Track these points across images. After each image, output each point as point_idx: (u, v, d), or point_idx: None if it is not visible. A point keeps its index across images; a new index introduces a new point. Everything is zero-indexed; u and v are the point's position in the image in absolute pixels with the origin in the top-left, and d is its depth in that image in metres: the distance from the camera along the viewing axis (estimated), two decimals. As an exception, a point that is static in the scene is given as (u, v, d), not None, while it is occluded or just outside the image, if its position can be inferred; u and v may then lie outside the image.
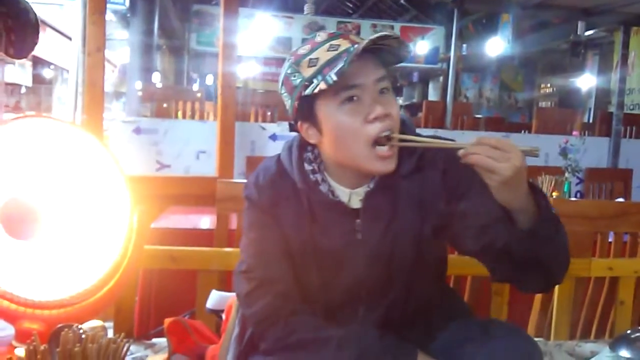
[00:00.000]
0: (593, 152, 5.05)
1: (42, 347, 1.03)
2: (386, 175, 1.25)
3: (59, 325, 1.17)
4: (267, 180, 1.32)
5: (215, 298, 1.67)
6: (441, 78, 10.49)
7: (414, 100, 10.59)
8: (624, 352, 1.01)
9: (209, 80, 12.65)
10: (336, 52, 1.20)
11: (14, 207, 1.40)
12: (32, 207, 1.42)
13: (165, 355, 1.43)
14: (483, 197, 1.23)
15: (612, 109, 5.44)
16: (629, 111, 7.80)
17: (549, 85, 11.66)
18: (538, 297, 2.11)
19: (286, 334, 1.23)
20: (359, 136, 1.21)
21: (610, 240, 2.28)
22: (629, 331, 1.06)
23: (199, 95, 5.85)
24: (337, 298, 1.30)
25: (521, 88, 11.89)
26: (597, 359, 1.04)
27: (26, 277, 1.53)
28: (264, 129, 4.70)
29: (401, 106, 9.70)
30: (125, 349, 1.07)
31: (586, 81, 10.07)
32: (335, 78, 1.16)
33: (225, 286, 1.77)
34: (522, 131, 6.21)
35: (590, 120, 7.59)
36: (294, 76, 1.23)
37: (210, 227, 2.76)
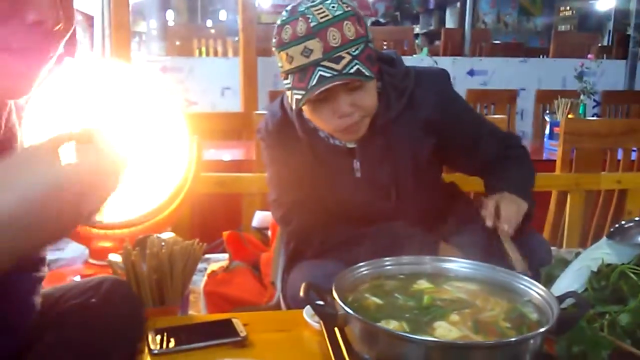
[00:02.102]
0: (610, 75, 5.08)
1: (134, 251, 1.25)
2: (376, 117, 1.38)
3: (141, 236, 1.39)
4: (275, 126, 1.48)
5: (259, 217, 1.89)
6: (458, 4, 10.31)
7: (432, 28, 10.45)
8: (618, 239, 1.20)
9: (222, 15, 12.53)
10: (308, 61, 1.25)
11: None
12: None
13: (224, 264, 1.65)
14: (472, 122, 1.48)
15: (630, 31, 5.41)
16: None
17: (568, 8, 11.40)
18: (551, 209, 2.30)
19: (326, 238, 1.45)
20: (328, 125, 1.35)
21: (619, 156, 2.44)
22: (623, 222, 1.24)
23: (212, 31, 5.93)
24: (346, 221, 1.47)
25: (540, 12, 11.63)
26: (596, 247, 1.23)
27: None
28: (285, 63, 4.80)
29: (418, 34, 9.59)
30: (202, 249, 1.29)
31: (605, 3, 9.85)
32: (300, 105, 1.28)
33: (267, 207, 1.98)
34: (540, 56, 6.22)
35: (609, 43, 7.52)
36: (277, 55, 1.33)
37: (244, 157, 2.97)
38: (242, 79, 4.51)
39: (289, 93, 1.33)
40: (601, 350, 0.98)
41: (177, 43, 5.52)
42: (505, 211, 1.33)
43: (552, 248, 2.13)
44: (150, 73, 1.71)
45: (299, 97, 1.28)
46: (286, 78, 1.32)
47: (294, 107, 1.34)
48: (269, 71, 4.72)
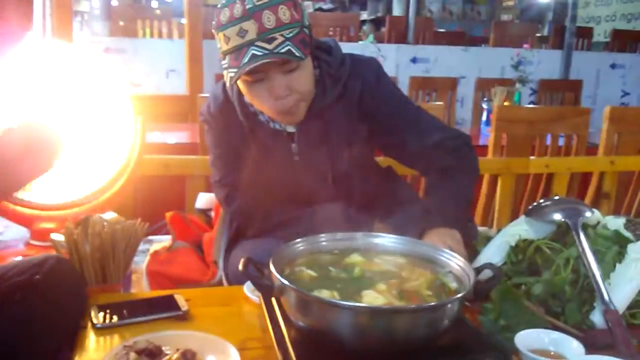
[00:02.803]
0: (547, 64, 5.31)
1: (76, 230, 1.27)
2: (313, 104, 1.44)
3: (83, 216, 1.40)
4: (217, 109, 1.52)
5: (203, 199, 1.92)
6: (405, -8, 10.45)
7: (379, 14, 10.55)
8: (534, 215, 1.31)
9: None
10: (243, 41, 1.29)
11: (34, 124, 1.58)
12: (52, 120, 1.61)
13: (167, 244, 1.68)
14: (404, 109, 1.52)
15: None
16: (584, 24, 8.03)
17: (511, -2, 11.71)
18: (483, 192, 2.42)
19: (267, 218, 1.51)
20: (267, 107, 1.40)
21: (548, 142, 2.58)
22: (541, 201, 1.35)
23: (158, 12, 5.83)
24: (286, 202, 1.53)
25: (485, 1, 11.92)
26: (515, 223, 1.33)
27: (40, 184, 1.74)
28: (231, 46, 4.78)
29: (364, 21, 9.68)
30: (144, 229, 1.32)
31: (546, -6, 10.17)
32: (233, 82, 1.33)
33: (210, 189, 2.02)
34: (482, 45, 6.41)
35: (549, 34, 7.80)
36: (216, 36, 1.36)
37: (189, 140, 2.98)
38: (188, 61, 4.48)
39: (225, 73, 1.37)
40: (522, 310, 1.09)
41: (121, 23, 5.41)
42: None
43: (483, 229, 2.26)
44: (93, 54, 1.70)
45: (232, 75, 1.32)
46: (224, 59, 1.36)
47: (228, 85, 1.38)
48: (214, 54, 4.64)
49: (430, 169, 1.51)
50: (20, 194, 1.76)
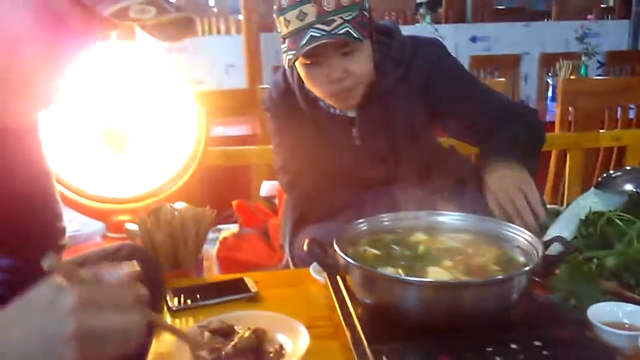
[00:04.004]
0: (614, 35, 5.07)
1: (149, 219, 1.33)
2: (374, 86, 1.44)
3: (155, 206, 1.47)
4: (278, 96, 1.55)
5: (266, 187, 1.97)
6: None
7: (434, -4, 10.37)
8: (605, 187, 1.26)
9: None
10: (302, 24, 1.32)
11: (110, 118, 1.68)
12: (128, 125, 1.70)
13: (235, 231, 1.73)
14: (471, 89, 1.50)
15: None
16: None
17: (573, -32, 11.24)
18: (551, 169, 2.35)
19: (330, 202, 1.53)
20: (322, 90, 1.41)
21: (618, 114, 2.48)
22: (611, 172, 1.30)
23: (215, 10, 5.95)
24: (348, 186, 1.54)
25: (545, -26, 11.48)
26: (585, 196, 1.29)
27: (112, 180, 1.83)
28: (287, 38, 4.83)
29: (421, 3, 9.52)
30: (212, 215, 1.37)
31: (611, -39, 9.69)
32: (290, 64, 1.34)
33: (273, 177, 2.06)
34: (544, 19, 6.19)
35: (614, 4, 7.45)
36: (277, 21, 1.39)
37: (250, 132, 3.04)
38: (246, 55, 4.55)
39: (284, 56, 1.39)
40: (594, 286, 1.05)
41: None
42: (509, 202, 1.30)
43: (553, 206, 2.20)
44: (157, 54, 1.77)
45: (291, 57, 1.34)
46: (283, 42, 1.38)
47: (286, 67, 1.41)
48: (272, 47, 4.75)
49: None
50: (95, 189, 1.86)
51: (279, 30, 1.39)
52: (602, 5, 6.50)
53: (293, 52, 1.33)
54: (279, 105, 1.54)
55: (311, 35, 1.30)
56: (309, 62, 1.37)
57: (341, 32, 1.30)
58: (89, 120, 1.72)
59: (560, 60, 3.48)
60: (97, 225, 2.07)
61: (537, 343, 0.85)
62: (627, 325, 0.95)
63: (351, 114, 1.50)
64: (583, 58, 3.47)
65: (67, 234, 1.17)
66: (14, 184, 1.01)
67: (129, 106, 1.75)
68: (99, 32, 0.80)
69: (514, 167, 1.36)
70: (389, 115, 1.48)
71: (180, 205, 1.50)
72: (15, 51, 0.75)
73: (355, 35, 1.31)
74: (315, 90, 1.44)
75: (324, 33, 1.30)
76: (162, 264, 1.30)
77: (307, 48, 1.30)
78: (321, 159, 1.54)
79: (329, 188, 1.54)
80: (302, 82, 1.47)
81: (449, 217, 1.15)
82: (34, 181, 1.05)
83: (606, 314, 0.96)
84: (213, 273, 1.63)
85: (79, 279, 0.67)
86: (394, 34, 1.48)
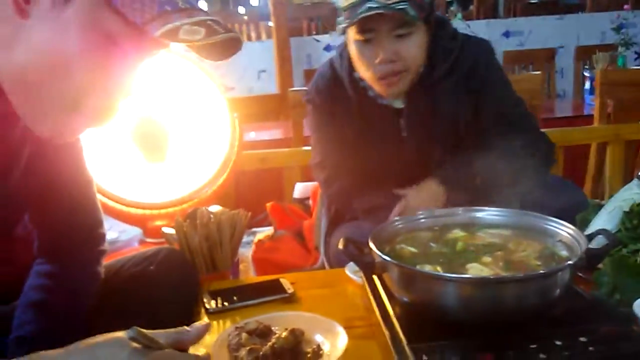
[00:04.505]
0: (651, 24, 4.92)
1: (185, 223, 1.34)
2: (422, 77, 1.44)
3: (191, 209, 1.48)
4: (325, 86, 1.54)
5: (300, 188, 1.97)
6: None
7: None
8: (649, 180, 1.22)
9: (254, 1, 12.59)
10: None
11: (148, 127, 1.70)
12: (163, 128, 1.72)
13: (270, 233, 1.73)
14: (508, 100, 1.49)
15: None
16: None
17: (606, -41, 10.98)
18: (591, 162, 2.29)
19: (367, 202, 1.50)
20: (370, 72, 1.41)
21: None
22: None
23: (245, 17, 6.00)
24: (387, 184, 1.52)
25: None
26: (627, 188, 1.25)
27: (149, 185, 1.85)
28: (317, 41, 4.84)
29: (451, 1, 9.43)
30: (247, 218, 1.37)
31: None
32: (342, 32, 1.36)
33: (307, 179, 2.05)
34: (578, 12, 6.05)
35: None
36: None
37: (282, 136, 3.05)
38: (277, 60, 4.58)
39: (338, 29, 1.40)
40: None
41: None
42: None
43: (595, 200, 2.13)
44: (189, 61, 1.79)
45: (345, 24, 1.34)
46: (340, 16, 1.39)
47: (338, 34, 1.41)
48: (302, 51, 4.78)
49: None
50: (132, 196, 1.88)
51: (338, 5, 1.40)
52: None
53: (349, 20, 1.33)
54: (324, 96, 1.53)
55: (369, 7, 1.30)
56: (362, 39, 1.37)
57: (399, 7, 1.30)
58: (124, 127, 1.74)
59: (597, 52, 3.39)
60: (134, 231, 2.10)
61: (582, 339, 0.82)
62: (676, 319, 0.92)
63: (399, 104, 1.49)
64: (620, 49, 3.37)
65: (107, 241, 1.19)
66: (57, 192, 1.04)
67: (164, 113, 1.77)
68: (149, 52, 0.81)
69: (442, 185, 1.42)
70: (436, 109, 1.47)
71: (215, 208, 1.51)
72: (68, 70, 0.76)
73: (412, 13, 1.30)
74: (364, 72, 1.43)
75: (381, 4, 1.29)
76: (199, 267, 1.31)
77: (364, 15, 1.30)
78: (363, 152, 1.52)
79: (367, 186, 1.52)
80: (352, 70, 1.47)
81: (488, 213, 1.12)
82: (76, 189, 1.08)
83: (654, 308, 0.93)
84: (249, 275, 1.64)
85: (157, 349, 0.71)
86: (445, 25, 1.48)
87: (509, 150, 1.35)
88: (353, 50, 1.42)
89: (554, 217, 1.05)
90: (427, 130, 1.48)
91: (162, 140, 1.75)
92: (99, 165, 1.74)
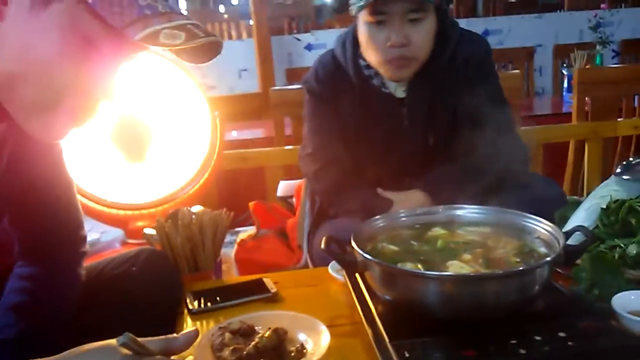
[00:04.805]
0: (629, 24, 4.97)
1: (167, 224, 1.33)
2: (425, 66, 1.45)
3: (172, 210, 1.47)
4: (326, 74, 1.54)
5: (283, 187, 1.97)
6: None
7: (444, -7, 10.33)
8: (624, 175, 1.24)
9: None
10: None
11: (128, 127, 1.69)
12: (143, 128, 1.71)
13: (252, 233, 1.73)
14: (496, 102, 1.47)
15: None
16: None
17: (584, -42, 11.11)
18: (570, 160, 2.32)
19: (349, 201, 1.51)
20: (378, 54, 1.42)
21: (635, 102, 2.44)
22: (630, 159, 1.28)
23: (226, 16, 5.98)
24: (385, 173, 1.54)
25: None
26: (604, 185, 1.27)
27: (130, 186, 1.84)
28: (298, 40, 4.84)
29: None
30: (229, 218, 1.37)
31: (623, -51, 9.56)
32: (357, 11, 1.37)
33: (289, 178, 2.05)
34: (557, 10, 6.12)
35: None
36: None
37: (264, 135, 3.05)
38: (258, 59, 4.56)
39: (351, 8, 1.42)
40: (618, 275, 1.03)
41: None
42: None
43: (573, 197, 2.16)
44: (168, 60, 1.77)
45: (362, 3, 1.36)
46: None
47: (354, 12, 1.42)
48: (283, 50, 4.76)
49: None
50: (113, 197, 1.87)
51: None
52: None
53: (363, 1, 1.35)
54: (325, 84, 1.54)
55: None
56: (374, 21, 1.39)
57: None
58: (104, 127, 1.73)
59: (575, 51, 3.44)
60: (116, 233, 2.08)
61: (561, 334, 0.84)
62: (653, 314, 0.94)
63: (400, 94, 1.50)
64: (598, 47, 3.41)
65: (88, 242, 1.18)
66: (37, 194, 1.03)
67: (144, 113, 1.76)
68: (128, 55, 0.81)
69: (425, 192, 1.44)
70: (436, 99, 1.49)
71: (197, 208, 1.51)
72: (48, 72, 0.76)
73: None
74: (372, 55, 1.44)
75: None
76: (181, 268, 1.31)
77: None
78: (362, 141, 1.52)
79: (356, 185, 1.52)
80: (356, 57, 1.48)
81: (467, 211, 1.14)
82: (56, 191, 1.07)
83: (631, 303, 0.95)
84: (232, 275, 1.64)
85: (147, 355, 0.72)
86: (446, 14, 1.50)
87: (492, 152, 1.39)
88: (363, 33, 1.43)
89: (533, 214, 1.07)
90: (427, 119, 1.50)
91: (142, 140, 1.73)
92: (79, 166, 1.73)
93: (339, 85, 1.51)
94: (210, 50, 0.84)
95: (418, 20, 1.38)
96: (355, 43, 1.51)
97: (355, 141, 1.53)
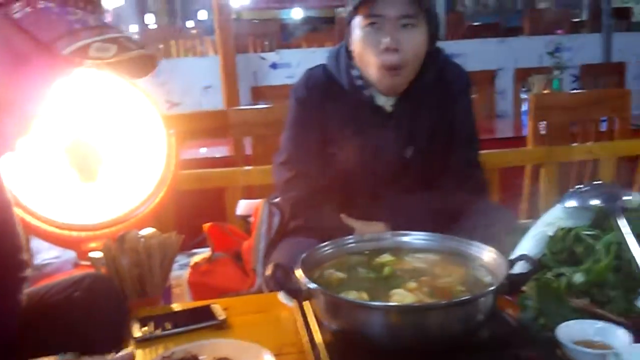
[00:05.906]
0: (587, 49, 5.12)
1: (114, 247, 1.30)
2: (413, 84, 1.50)
3: (122, 232, 1.44)
4: (316, 82, 1.57)
5: (242, 205, 1.94)
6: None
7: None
8: (571, 203, 1.26)
9: (202, 15, 12.54)
10: None
11: (80, 148, 1.65)
12: (94, 147, 1.67)
13: (207, 255, 1.70)
14: (467, 133, 1.59)
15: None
16: (622, 5, 7.75)
17: (547, -16, 11.46)
18: (526, 183, 2.36)
19: (312, 219, 1.53)
20: (372, 58, 1.45)
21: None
22: (577, 187, 1.30)
23: (193, 32, 5.95)
24: (358, 186, 1.56)
25: (520, -10, 11.70)
26: (551, 212, 1.29)
27: (82, 206, 1.79)
28: (263, 59, 4.84)
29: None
30: (179, 241, 1.34)
31: (583, -23, 9.89)
32: (351, 11, 1.43)
33: (248, 198, 2.03)
34: (518, 35, 6.27)
35: (588, 18, 7.57)
36: None
37: (230, 153, 3.02)
38: (222, 76, 4.55)
39: (347, 10, 1.48)
40: (563, 303, 1.04)
41: (161, 46, 5.53)
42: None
43: (529, 220, 2.18)
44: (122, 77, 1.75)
45: (357, 2, 1.41)
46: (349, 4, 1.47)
47: (350, 8, 1.47)
48: (248, 68, 4.76)
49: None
50: (65, 218, 1.82)
51: None
52: (574, 20, 6.61)
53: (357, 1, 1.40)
54: (313, 92, 1.56)
55: None
56: (366, 23, 1.43)
57: None
58: (55, 146, 1.69)
59: (532, 75, 3.52)
60: (68, 255, 2.02)
61: (504, 364, 0.84)
62: (597, 344, 0.95)
63: (389, 108, 1.54)
64: (555, 72, 3.50)
65: (43, 262, 1.14)
66: None
67: (96, 131, 1.72)
68: (60, 70, 0.80)
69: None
70: (420, 115, 1.53)
71: (147, 231, 1.48)
72: None
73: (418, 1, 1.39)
74: (368, 59, 1.46)
75: None
76: (127, 292, 1.27)
77: None
78: (343, 150, 1.54)
79: (325, 202, 1.54)
80: (350, 68, 1.52)
81: (414, 237, 1.14)
82: None
83: (576, 333, 0.96)
84: (185, 299, 1.60)
85: None
86: (436, 34, 1.55)
87: (456, 189, 1.51)
88: (358, 38, 1.46)
89: (484, 240, 1.07)
90: (409, 133, 1.54)
91: (93, 160, 1.69)
92: (30, 187, 1.68)
93: (328, 94, 1.55)
94: (146, 64, 0.83)
95: (410, 26, 1.43)
96: (349, 55, 1.54)
97: (333, 150, 1.55)
